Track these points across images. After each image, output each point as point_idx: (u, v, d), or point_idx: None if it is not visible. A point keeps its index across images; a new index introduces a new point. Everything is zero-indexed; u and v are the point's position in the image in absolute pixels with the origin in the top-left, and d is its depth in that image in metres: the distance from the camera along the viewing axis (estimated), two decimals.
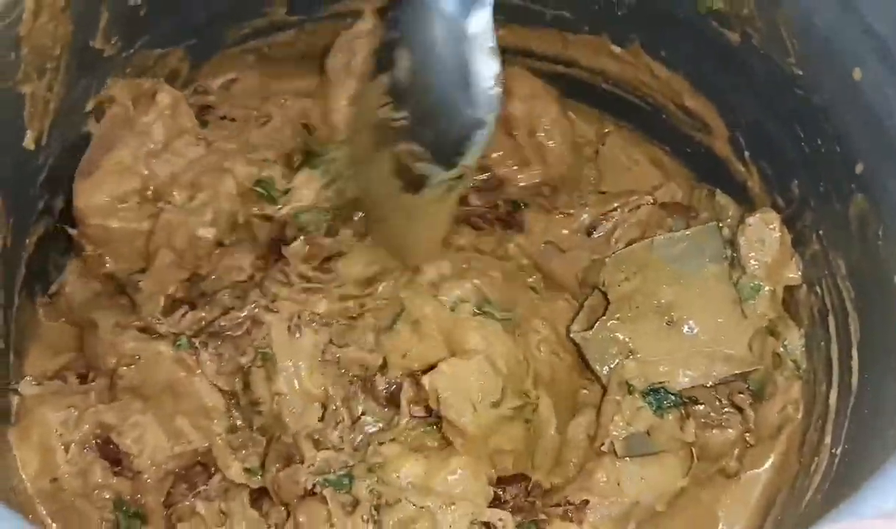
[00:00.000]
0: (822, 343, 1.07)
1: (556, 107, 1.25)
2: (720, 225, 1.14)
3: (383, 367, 1.05)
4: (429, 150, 0.99)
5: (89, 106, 1.12)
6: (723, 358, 1.08)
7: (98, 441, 1.05)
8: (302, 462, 1.01)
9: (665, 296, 1.10)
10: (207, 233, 1.14)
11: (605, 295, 1.13)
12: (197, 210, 1.14)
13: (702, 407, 1.08)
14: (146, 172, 1.15)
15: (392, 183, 1.05)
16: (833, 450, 0.99)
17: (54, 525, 1.04)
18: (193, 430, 1.05)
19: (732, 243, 1.12)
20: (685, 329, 1.09)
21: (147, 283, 1.11)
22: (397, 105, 1.01)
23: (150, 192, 1.15)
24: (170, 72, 1.21)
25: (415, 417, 1.02)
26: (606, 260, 1.14)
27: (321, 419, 1.03)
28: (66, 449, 1.04)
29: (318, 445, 1.02)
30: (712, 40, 1.08)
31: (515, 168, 1.25)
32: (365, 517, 0.97)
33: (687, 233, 1.13)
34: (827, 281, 1.06)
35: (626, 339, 1.10)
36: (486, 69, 0.90)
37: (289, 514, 1.01)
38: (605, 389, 1.10)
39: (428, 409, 1.03)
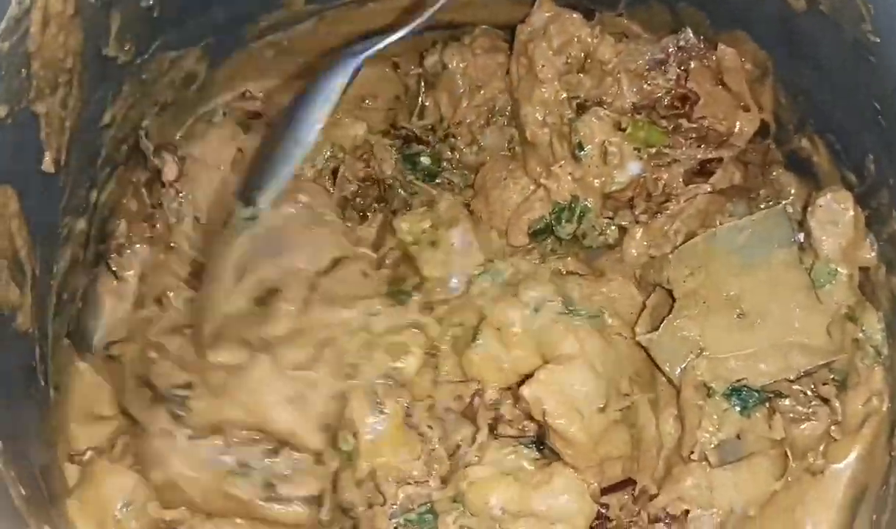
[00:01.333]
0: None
1: None
2: (786, 206, 1.07)
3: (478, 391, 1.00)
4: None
5: (106, 119, 1.05)
6: (801, 349, 1.01)
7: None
8: (383, 503, 0.95)
9: (733, 289, 1.03)
10: None
11: (669, 293, 1.07)
12: None
13: (787, 402, 1.02)
14: None
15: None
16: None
17: None
18: None
19: (801, 224, 1.05)
20: (758, 321, 1.03)
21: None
22: None
23: None
24: (186, 74, 1.15)
25: (507, 436, 0.98)
26: (670, 256, 1.07)
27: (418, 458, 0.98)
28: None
29: (398, 481, 0.97)
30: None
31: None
32: None
33: (753, 218, 1.06)
34: None
35: (697, 337, 1.03)
36: None
37: None
38: (678, 390, 1.04)
39: (523, 428, 0.98)
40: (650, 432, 1.03)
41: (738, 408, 1.01)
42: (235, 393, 1.01)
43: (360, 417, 0.97)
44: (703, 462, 1.00)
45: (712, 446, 1.00)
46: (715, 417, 1.00)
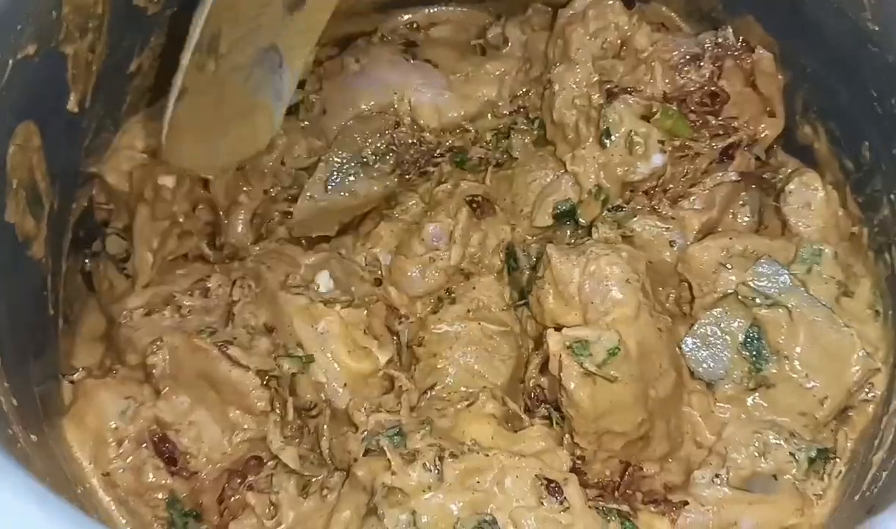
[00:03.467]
0: (891, 312, 1.02)
1: None
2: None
3: None
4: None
5: (132, 66, 1.10)
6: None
7: (154, 438, 1.03)
8: (355, 430, 1.00)
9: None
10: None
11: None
12: None
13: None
14: None
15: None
16: None
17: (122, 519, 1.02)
18: (247, 419, 1.03)
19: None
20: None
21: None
22: None
23: None
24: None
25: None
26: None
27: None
28: (119, 444, 1.02)
29: (369, 411, 1.01)
30: None
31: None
32: (427, 464, 0.94)
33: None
34: None
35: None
36: None
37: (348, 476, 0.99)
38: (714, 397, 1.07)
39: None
40: (668, 425, 1.04)
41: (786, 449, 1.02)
42: None
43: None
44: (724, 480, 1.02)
45: (743, 473, 1.02)
46: (759, 444, 1.03)
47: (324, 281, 1.09)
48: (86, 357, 1.11)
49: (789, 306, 1.04)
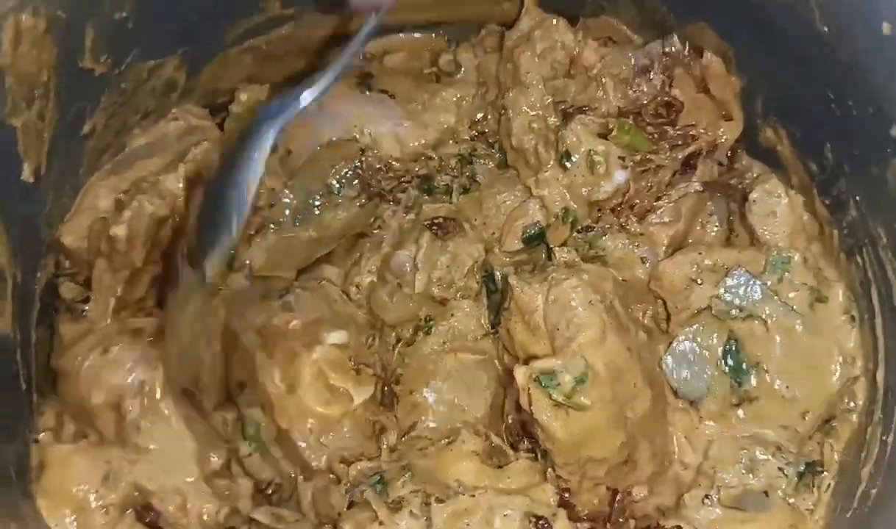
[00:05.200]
0: (867, 316, 1.01)
1: None
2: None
3: None
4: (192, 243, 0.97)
5: (86, 129, 1.09)
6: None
7: (137, 507, 1.01)
8: (338, 483, 0.99)
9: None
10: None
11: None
12: None
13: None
14: None
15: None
16: (884, 437, 0.94)
17: None
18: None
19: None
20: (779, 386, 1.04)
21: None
22: None
23: None
24: (166, 82, 1.18)
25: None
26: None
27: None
28: (106, 512, 1.00)
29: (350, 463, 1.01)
30: None
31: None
32: (415, 511, 0.94)
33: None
34: (868, 250, 0.99)
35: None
36: None
37: None
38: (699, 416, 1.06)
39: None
40: (653, 445, 1.03)
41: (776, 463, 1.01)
42: None
43: None
44: (715, 500, 1.01)
45: (732, 491, 1.01)
46: (747, 462, 1.02)
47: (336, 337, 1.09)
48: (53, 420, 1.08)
49: (763, 317, 1.02)
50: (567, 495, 1.01)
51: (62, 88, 1.02)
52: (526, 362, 0.99)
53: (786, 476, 1.01)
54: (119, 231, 1.10)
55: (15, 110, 0.95)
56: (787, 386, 1.02)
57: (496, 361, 1.09)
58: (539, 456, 1.02)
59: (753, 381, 1.03)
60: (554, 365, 0.97)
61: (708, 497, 1.02)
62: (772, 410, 1.03)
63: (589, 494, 1.02)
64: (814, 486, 1.01)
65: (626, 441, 1.00)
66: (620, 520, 1.01)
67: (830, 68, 0.95)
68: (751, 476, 1.01)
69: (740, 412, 1.04)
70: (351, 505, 0.98)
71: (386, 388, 1.09)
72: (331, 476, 1.02)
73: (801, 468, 1.01)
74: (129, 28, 1.07)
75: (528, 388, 0.97)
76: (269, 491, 1.04)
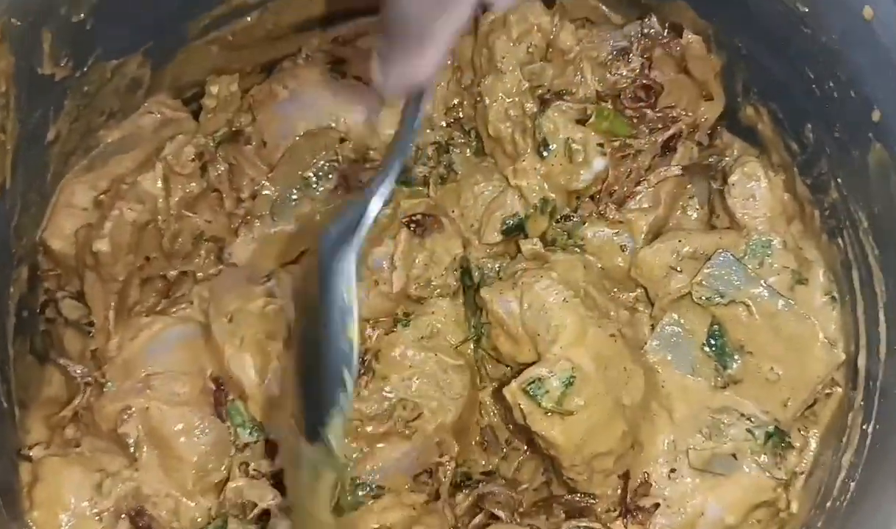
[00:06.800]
0: (848, 298, 1.00)
1: None
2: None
3: None
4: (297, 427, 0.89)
5: (50, 135, 1.06)
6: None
7: (131, 512, 1.01)
8: None
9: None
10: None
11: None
12: None
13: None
14: None
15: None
16: (864, 426, 0.94)
17: None
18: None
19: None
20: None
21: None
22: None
23: None
24: (131, 80, 1.15)
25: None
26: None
27: None
28: (101, 519, 0.99)
29: None
30: None
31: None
32: None
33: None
34: (849, 233, 0.98)
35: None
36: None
37: None
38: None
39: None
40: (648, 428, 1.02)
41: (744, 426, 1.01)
42: None
43: None
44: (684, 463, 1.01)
45: (702, 453, 1.01)
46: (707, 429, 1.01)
47: None
48: (45, 432, 1.07)
49: (747, 302, 1.02)
50: (578, 496, 1.02)
51: (22, 97, 0.99)
52: (518, 373, 0.98)
53: (754, 436, 1.00)
54: (102, 246, 1.09)
55: None
56: (772, 368, 1.02)
57: (473, 371, 1.08)
58: (545, 468, 1.03)
59: (737, 364, 1.03)
60: (539, 374, 0.96)
61: (674, 471, 1.02)
62: (756, 392, 1.02)
63: (602, 486, 1.02)
64: (784, 458, 1.01)
65: (627, 430, 1.00)
66: (639, 504, 1.01)
67: (810, 49, 0.93)
68: (718, 440, 1.01)
69: (727, 393, 1.03)
70: None
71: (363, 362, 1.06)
72: None
73: (771, 429, 1.01)
74: (87, 29, 1.04)
75: (519, 404, 0.96)
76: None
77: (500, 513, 0.98)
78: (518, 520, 0.99)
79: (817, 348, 1.00)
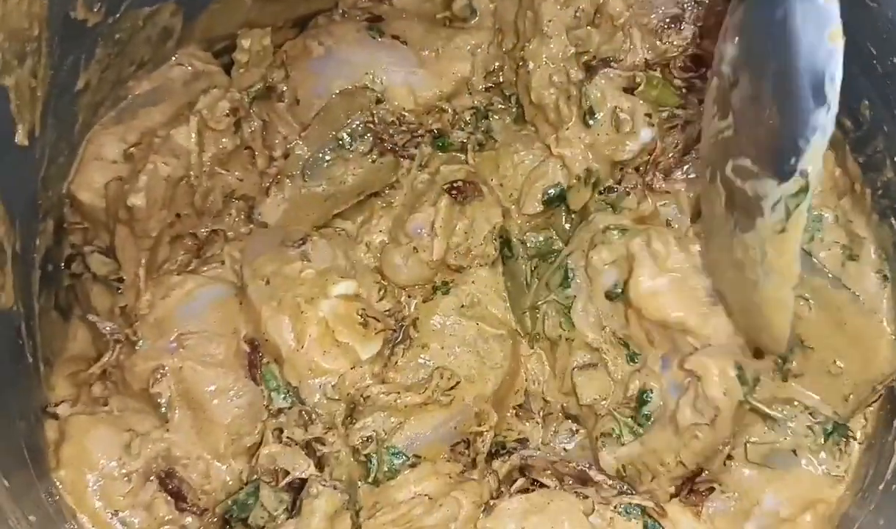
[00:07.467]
0: None
1: None
2: None
3: None
4: (757, 161, 0.81)
5: (80, 84, 1.03)
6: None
7: (161, 474, 0.99)
8: None
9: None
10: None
11: None
12: None
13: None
14: None
15: (727, 221, 0.89)
16: None
17: None
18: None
19: None
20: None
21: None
22: (722, 113, 0.86)
23: None
24: (162, 30, 1.11)
25: None
26: None
27: None
28: (129, 480, 0.97)
29: None
30: None
31: None
32: None
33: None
34: None
35: None
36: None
37: None
38: None
39: None
40: None
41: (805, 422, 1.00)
42: None
43: None
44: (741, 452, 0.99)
45: (760, 448, 0.99)
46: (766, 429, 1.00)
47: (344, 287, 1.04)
48: (70, 389, 1.05)
49: (806, 296, 0.99)
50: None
51: (54, 42, 0.96)
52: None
53: (814, 433, 0.99)
54: (137, 200, 1.06)
55: (6, 69, 0.89)
56: (834, 362, 1.00)
57: (515, 340, 1.06)
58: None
59: (797, 360, 1.01)
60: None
61: (731, 458, 1.00)
62: (816, 385, 1.01)
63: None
64: (843, 453, 0.99)
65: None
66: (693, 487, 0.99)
67: (876, 25, 0.90)
68: (779, 434, 0.99)
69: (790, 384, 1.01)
70: None
71: (393, 346, 1.06)
72: None
73: (830, 427, 0.99)
74: None
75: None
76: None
77: (548, 482, 0.96)
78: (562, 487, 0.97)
79: (883, 345, 0.98)
